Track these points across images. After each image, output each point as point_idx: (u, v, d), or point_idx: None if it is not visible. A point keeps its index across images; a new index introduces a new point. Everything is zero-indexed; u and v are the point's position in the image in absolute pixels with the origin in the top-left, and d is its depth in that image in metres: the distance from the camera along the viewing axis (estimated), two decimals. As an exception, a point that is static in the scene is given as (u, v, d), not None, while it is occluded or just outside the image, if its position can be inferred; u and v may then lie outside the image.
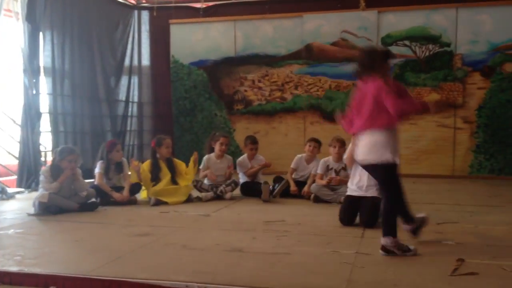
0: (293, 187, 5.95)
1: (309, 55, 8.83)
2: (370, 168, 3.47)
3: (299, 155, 6.21)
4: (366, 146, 3.37)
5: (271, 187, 5.77)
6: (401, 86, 3.60)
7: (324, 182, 5.62)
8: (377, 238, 3.80)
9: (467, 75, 8.17)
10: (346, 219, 4.33)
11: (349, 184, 4.52)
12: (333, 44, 8.72)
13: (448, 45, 8.21)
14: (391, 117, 3.27)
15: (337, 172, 5.70)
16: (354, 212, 4.36)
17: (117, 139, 8.32)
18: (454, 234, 3.94)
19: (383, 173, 3.37)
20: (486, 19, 8.06)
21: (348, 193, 4.49)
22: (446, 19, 8.23)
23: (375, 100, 3.32)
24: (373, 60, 3.44)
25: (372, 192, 4.30)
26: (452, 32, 8.20)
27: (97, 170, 5.66)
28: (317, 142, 6.14)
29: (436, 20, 8.27)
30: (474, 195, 6.22)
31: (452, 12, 8.18)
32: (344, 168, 5.68)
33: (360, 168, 4.00)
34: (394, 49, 8.41)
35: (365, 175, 4.30)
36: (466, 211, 4.95)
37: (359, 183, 4.39)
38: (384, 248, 3.30)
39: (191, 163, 5.93)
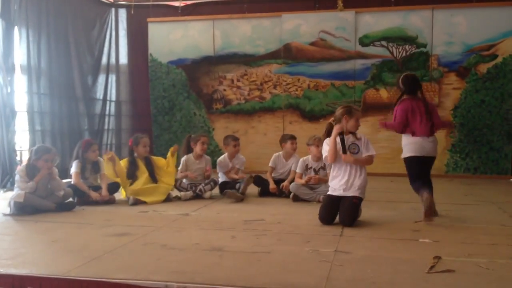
0: (272, 185, 5.98)
1: (287, 54, 8.86)
2: (432, 160, 4.83)
3: (276, 154, 6.27)
4: (434, 144, 4.79)
5: (237, 186, 5.91)
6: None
7: (303, 181, 5.66)
8: (356, 237, 3.86)
9: (442, 75, 8.31)
10: (327, 218, 4.36)
11: (332, 183, 4.51)
12: (312, 44, 8.77)
13: (424, 46, 8.34)
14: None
15: (316, 171, 5.74)
16: (335, 211, 4.39)
17: (93, 138, 8.24)
18: (431, 232, 4.00)
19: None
20: (461, 20, 8.20)
21: (330, 192, 4.50)
22: (422, 20, 8.35)
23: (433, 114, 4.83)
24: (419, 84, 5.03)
25: (353, 192, 4.35)
26: (428, 33, 8.32)
27: (73, 170, 5.58)
28: (296, 139, 6.24)
29: (412, 21, 8.39)
30: (450, 194, 6.32)
31: (428, 14, 8.31)
32: (323, 167, 5.74)
33: (349, 167, 4.34)
34: (371, 49, 8.53)
35: (352, 174, 4.37)
36: (443, 210, 5.03)
37: (345, 183, 4.37)
38: None
39: (169, 155, 5.90)
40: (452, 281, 2.77)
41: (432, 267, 3.00)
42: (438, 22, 8.28)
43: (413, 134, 4.72)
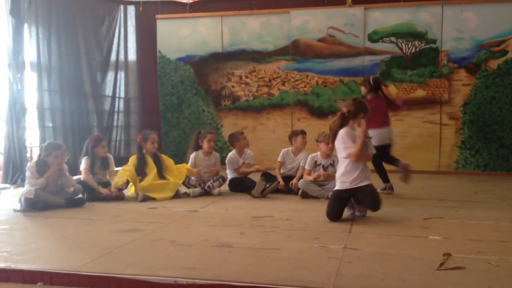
0: (281, 182, 5.97)
1: (296, 51, 8.84)
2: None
3: (285, 149, 6.28)
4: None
5: (267, 185, 5.76)
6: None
7: (311, 178, 5.65)
8: (365, 233, 3.85)
9: (452, 71, 8.25)
10: (335, 215, 4.35)
11: (343, 178, 4.41)
12: (320, 40, 8.74)
13: (434, 41, 8.28)
14: None
15: (325, 168, 5.73)
16: (343, 207, 4.39)
17: (103, 135, 8.29)
18: (440, 229, 3.98)
19: None
20: (471, 16, 8.13)
21: (339, 187, 4.43)
22: (431, 15, 8.29)
23: None
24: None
25: (367, 181, 4.36)
26: (437, 29, 8.26)
27: (82, 166, 5.62)
28: (306, 134, 6.29)
29: (422, 17, 8.33)
30: (459, 191, 6.29)
31: (438, 9, 8.25)
32: (332, 164, 5.72)
33: (361, 162, 4.37)
34: (380, 45, 8.48)
35: (361, 168, 4.36)
36: (452, 207, 5.01)
37: (357, 176, 4.34)
38: None
39: (184, 169, 5.93)
40: (462, 278, 2.76)
41: (441, 264, 2.98)
42: (447, 18, 8.22)
43: (380, 126, 5.77)
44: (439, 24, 8.25)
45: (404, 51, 8.42)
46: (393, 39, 8.44)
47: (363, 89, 6.19)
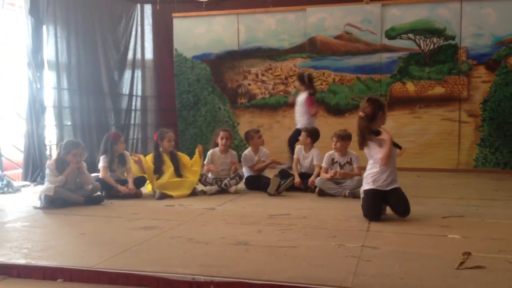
0: (297, 179, 5.95)
1: (312, 48, 8.81)
2: None
3: (299, 146, 6.30)
4: None
5: (282, 181, 5.75)
6: None
7: (328, 175, 5.62)
8: (383, 232, 3.82)
9: (471, 68, 8.14)
10: (376, 213, 4.26)
11: (378, 178, 4.29)
12: (337, 37, 8.69)
13: (453, 38, 8.17)
14: None
15: (341, 166, 5.70)
16: (381, 205, 4.35)
17: (120, 132, 8.38)
18: (460, 228, 3.93)
19: None
20: (490, 12, 8.01)
21: (374, 186, 4.30)
22: (450, 12, 8.18)
23: None
24: None
25: (396, 184, 4.32)
26: (456, 25, 8.16)
27: (101, 164, 5.67)
28: (305, 132, 6.27)
29: (440, 13, 8.23)
30: (479, 189, 6.20)
31: (456, 5, 8.14)
32: (349, 162, 5.69)
33: (393, 162, 4.29)
34: (398, 42, 8.41)
35: (388, 171, 4.28)
36: (472, 205, 4.95)
37: (388, 177, 4.29)
38: None
39: (196, 155, 5.97)
40: (482, 278, 2.72)
41: (461, 263, 2.95)
42: (466, 14, 8.10)
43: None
44: (458, 20, 8.14)
45: (422, 48, 8.33)
46: (411, 35, 8.36)
47: (297, 84, 7.60)
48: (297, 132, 7.10)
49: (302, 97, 7.52)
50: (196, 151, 6.04)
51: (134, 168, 5.82)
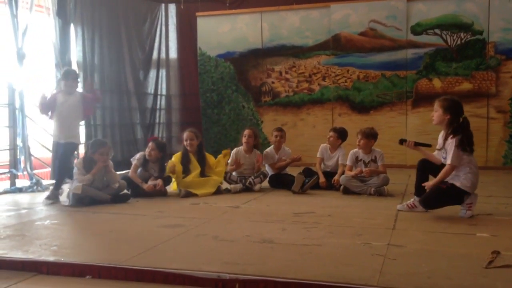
0: (322, 179, 5.93)
1: (336, 45, 8.75)
2: None
3: (323, 145, 6.22)
4: None
5: (306, 180, 5.73)
6: None
7: (353, 173, 5.58)
8: (409, 230, 3.78)
9: (500, 63, 7.97)
10: (438, 206, 4.35)
11: (468, 177, 4.22)
12: (361, 34, 8.61)
13: (481, 33, 8.01)
14: None
15: (366, 164, 5.65)
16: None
17: (145, 132, 8.53)
18: (489, 227, 3.86)
19: None
20: (520, 5, 7.84)
21: (458, 185, 4.20)
22: (477, 6, 8.02)
23: None
24: None
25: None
26: (484, 19, 7.99)
27: (134, 162, 5.71)
28: (335, 132, 6.13)
29: (468, 7, 8.07)
30: (508, 187, 6.08)
31: (484, 0, 7.97)
32: (374, 160, 5.64)
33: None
34: (424, 38, 8.29)
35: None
36: (501, 203, 4.85)
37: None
38: None
39: (221, 155, 5.98)
40: (511, 277, 2.67)
41: (490, 262, 2.89)
42: (494, 8, 7.93)
43: None
44: (486, 15, 7.97)
45: (449, 43, 8.19)
46: (437, 31, 8.22)
47: None
48: None
49: None
50: (223, 151, 6.05)
51: (167, 170, 5.80)
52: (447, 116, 4.25)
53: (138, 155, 5.79)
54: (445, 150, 4.24)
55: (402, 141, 4.56)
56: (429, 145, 4.52)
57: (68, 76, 5.58)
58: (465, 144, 4.17)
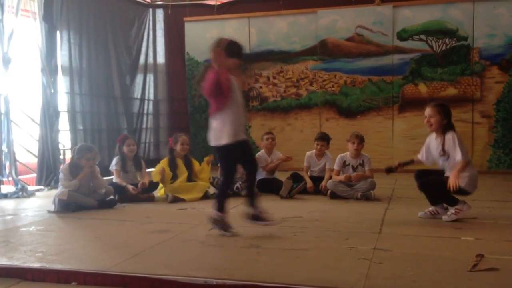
0: (309, 184, 5.95)
1: (323, 51, 8.80)
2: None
3: (309, 152, 6.25)
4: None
5: (294, 185, 5.75)
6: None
7: (342, 178, 5.61)
8: (395, 234, 3.81)
9: (484, 69, 8.07)
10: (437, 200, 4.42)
11: (471, 178, 4.33)
12: (348, 39, 8.68)
13: (465, 39, 8.12)
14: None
15: (354, 168, 5.68)
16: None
17: (132, 136, 8.46)
18: (473, 230, 3.90)
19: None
20: (504, 12, 7.95)
21: (463, 186, 4.24)
22: (462, 12, 8.13)
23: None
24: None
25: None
26: (469, 25, 8.10)
27: (114, 167, 5.73)
28: (324, 140, 6.13)
29: (453, 14, 8.18)
30: (493, 191, 6.15)
31: (469, 6, 8.08)
32: (362, 164, 5.67)
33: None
34: (410, 43, 8.36)
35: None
36: (485, 207, 4.91)
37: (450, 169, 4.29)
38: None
39: (204, 163, 5.98)
40: (496, 280, 2.70)
41: (475, 265, 2.92)
42: (479, 14, 8.04)
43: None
44: (471, 21, 8.08)
45: (435, 49, 8.28)
46: (423, 37, 8.32)
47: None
48: None
49: None
50: (205, 159, 6.04)
51: (156, 175, 5.80)
52: (444, 121, 4.36)
53: (114, 161, 5.81)
54: (447, 152, 4.31)
55: (389, 171, 4.56)
56: (412, 161, 4.63)
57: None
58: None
